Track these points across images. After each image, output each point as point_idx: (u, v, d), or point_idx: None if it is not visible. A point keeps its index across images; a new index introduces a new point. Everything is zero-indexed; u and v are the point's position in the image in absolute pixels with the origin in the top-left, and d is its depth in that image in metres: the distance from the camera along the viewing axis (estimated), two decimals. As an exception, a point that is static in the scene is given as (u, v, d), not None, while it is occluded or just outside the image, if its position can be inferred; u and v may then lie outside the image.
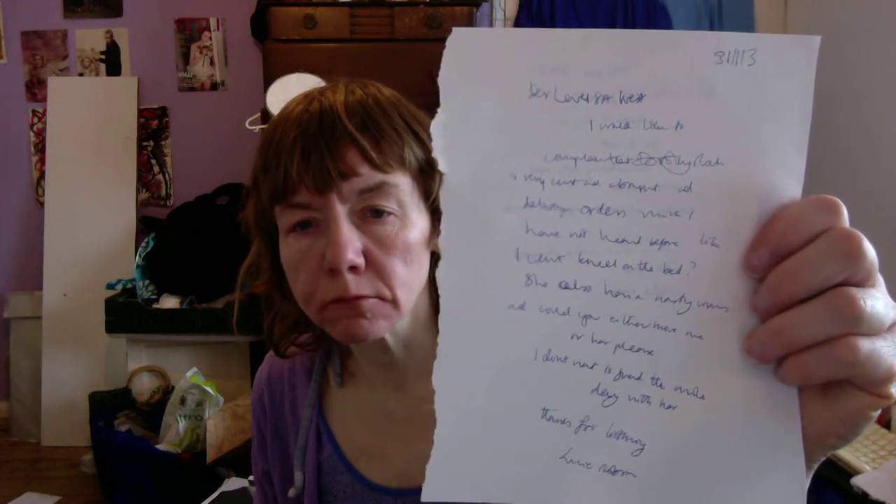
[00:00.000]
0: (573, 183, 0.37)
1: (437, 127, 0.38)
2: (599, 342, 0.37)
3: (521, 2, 3.09)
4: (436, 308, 0.59)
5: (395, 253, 0.65)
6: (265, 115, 2.52)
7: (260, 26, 3.05)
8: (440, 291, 0.40)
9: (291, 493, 0.80)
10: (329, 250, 0.63)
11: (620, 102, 0.36)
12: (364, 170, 0.65)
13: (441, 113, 0.38)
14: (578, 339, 0.38)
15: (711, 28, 3.11)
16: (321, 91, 0.70)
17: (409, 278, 0.67)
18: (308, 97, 0.69)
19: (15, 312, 3.33)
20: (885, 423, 1.79)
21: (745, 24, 3.14)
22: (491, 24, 3.13)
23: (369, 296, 0.65)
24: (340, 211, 0.64)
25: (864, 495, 1.53)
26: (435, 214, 0.69)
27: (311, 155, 0.64)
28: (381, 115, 0.67)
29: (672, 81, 0.36)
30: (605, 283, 0.37)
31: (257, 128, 2.53)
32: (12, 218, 3.40)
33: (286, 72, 2.55)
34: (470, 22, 2.70)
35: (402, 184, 0.66)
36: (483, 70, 0.37)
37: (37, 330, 3.24)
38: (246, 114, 2.63)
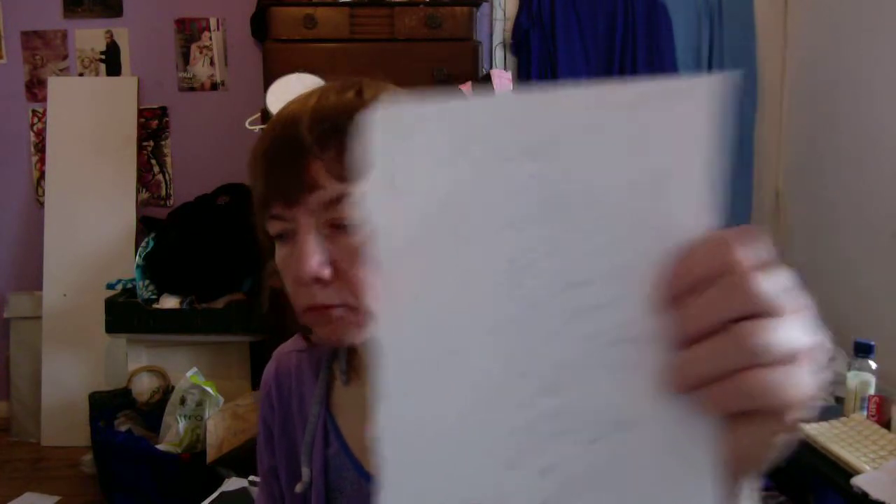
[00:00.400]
0: (491, 237, 0.39)
1: (365, 197, 0.41)
2: (522, 377, 0.39)
3: (521, 2, 3.09)
4: None
5: (363, 263, 0.66)
6: (265, 115, 2.52)
7: (260, 26, 3.05)
8: (376, 345, 0.42)
9: (298, 488, 0.82)
10: (294, 262, 0.66)
11: (527, 158, 0.38)
12: (327, 182, 0.65)
13: (368, 183, 0.41)
14: (503, 376, 0.40)
15: (712, 28, 3.10)
16: (304, 96, 0.70)
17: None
18: (291, 103, 0.70)
19: (15, 312, 3.33)
20: (885, 423, 1.79)
21: (746, 24, 3.14)
22: (491, 25, 3.13)
23: (337, 305, 0.67)
24: (307, 223, 0.66)
25: (864, 495, 1.53)
26: None
27: (277, 168, 0.66)
28: (350, 121, 0.67)
29: (569, 133, 0.38)
30: (525, 324, 0.39)
31: (257, 128, 2.53)
32: (12, 218, 3.40)
33: (286, 72, 2.55)
34: (470, 22, 2.70)
35: None
36: (412, 142, 0.40)
37: (37, 330, 3.24)
38: (246, 114, 2.63)
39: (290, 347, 0.88)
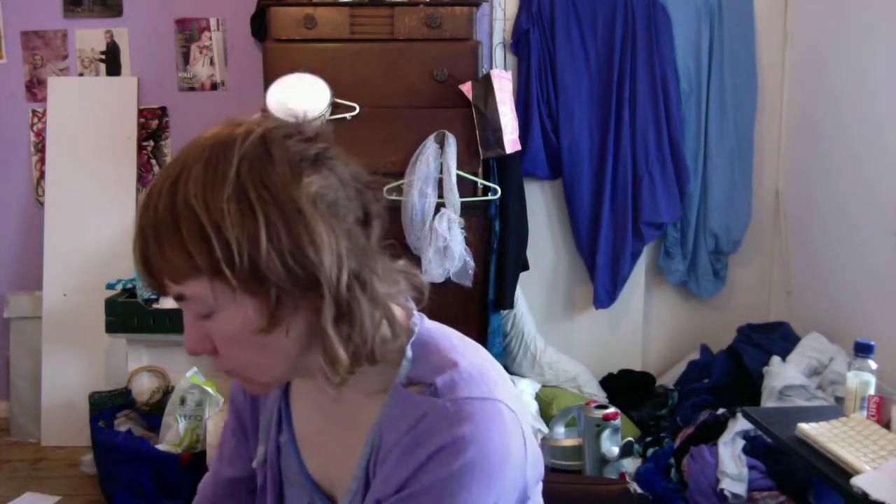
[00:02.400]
0: None
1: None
2: None
3: (521, 2, 3.09)
4: (329, 356, 0.71)
5: (224, 345, 0.73)
6: (265, 115, 2.51)
7: (260, 26, 3.05)
8: None
9: (254, 464, 0.90)
10: None
11: None
12: (167, 282, 0.71)
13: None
14: None
15: (712, 28, 3.10)
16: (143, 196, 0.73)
17: (250, 361, 0.74)
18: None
19: (15, 312, 3.32)
20: (885, 423, 1.79)
21: (745, 24, 3.14)
22: (491, 24, 3.13)
23: (230, 370, 0.76)
24: (184, 308, 0.74)
25: (864, 495, 1.53)
26: (255, 292, 0.69)
27: (136, 263, 0.72)
28: (165, 224, 0.68)
29: None
30: None
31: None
32: (12, 218, 3.40)
33: (286, 72, 2.55)
34: (470, 22, 2.70)
35: (200, 290, 0.69)
36: None
37: (37, 330, 3.24)
38: (246, 114, 2.62)
39: None
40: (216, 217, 0.66)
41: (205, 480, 1.01)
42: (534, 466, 0.78)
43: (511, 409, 0.74)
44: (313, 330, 0.71)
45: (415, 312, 0.81)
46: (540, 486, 0.82)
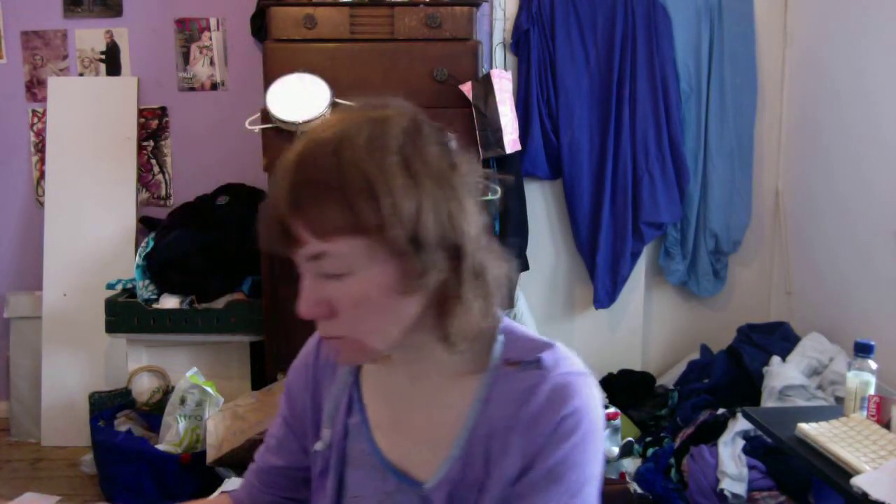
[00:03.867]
0: None
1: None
2: None
3: (521, 2, 3.09)
4: (439, 326, 0.77)
5: (349, 308, 0.75)
6: (265, 115, 2.52)
7: (260, 26, 3.05)
8: None
9: (318, 446, 0.91)
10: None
11: None
12: (307, 238, 0.72)
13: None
14: None
15: (712, 28, 3.10)
16: (295, 145, 0.75)
17: (371, 326, 0.77)
18: (290, 149, 0.76)
19: (15, 312, 3.32)
20: (885, 423, 1.79)
21: (745, 24, 3.14)
22: (491, 24, 3.13)
23: (337, 336, 0.78)
24: (304, 268, 0.75)
25: (864, 495, 1.53)
26: (406, 255, 0.73)
27: (270, 222, 0.75)
28: (328, 181, 0.71)
29: None
30: None
31: (257, 128, 2.53)
32: (12, 218, 3.40)
33: (286, 72, 2.55)
34: (470, 22, 2.69)
35: (348, 249, 0.72)
36: None
37: (37, 330, 3.24)
38: (246, 114, 2.63)
39: None
40: (388, 179, 0.71)
41: (250, 469, 1.03)
42: None
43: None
44: (439, 299, 0.76)
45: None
46: None
